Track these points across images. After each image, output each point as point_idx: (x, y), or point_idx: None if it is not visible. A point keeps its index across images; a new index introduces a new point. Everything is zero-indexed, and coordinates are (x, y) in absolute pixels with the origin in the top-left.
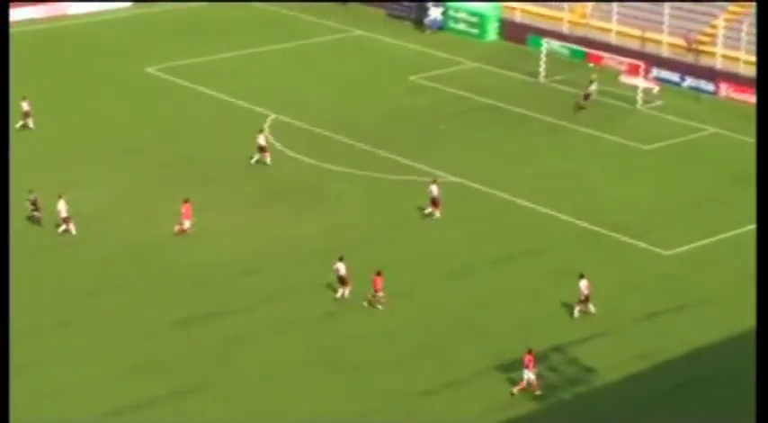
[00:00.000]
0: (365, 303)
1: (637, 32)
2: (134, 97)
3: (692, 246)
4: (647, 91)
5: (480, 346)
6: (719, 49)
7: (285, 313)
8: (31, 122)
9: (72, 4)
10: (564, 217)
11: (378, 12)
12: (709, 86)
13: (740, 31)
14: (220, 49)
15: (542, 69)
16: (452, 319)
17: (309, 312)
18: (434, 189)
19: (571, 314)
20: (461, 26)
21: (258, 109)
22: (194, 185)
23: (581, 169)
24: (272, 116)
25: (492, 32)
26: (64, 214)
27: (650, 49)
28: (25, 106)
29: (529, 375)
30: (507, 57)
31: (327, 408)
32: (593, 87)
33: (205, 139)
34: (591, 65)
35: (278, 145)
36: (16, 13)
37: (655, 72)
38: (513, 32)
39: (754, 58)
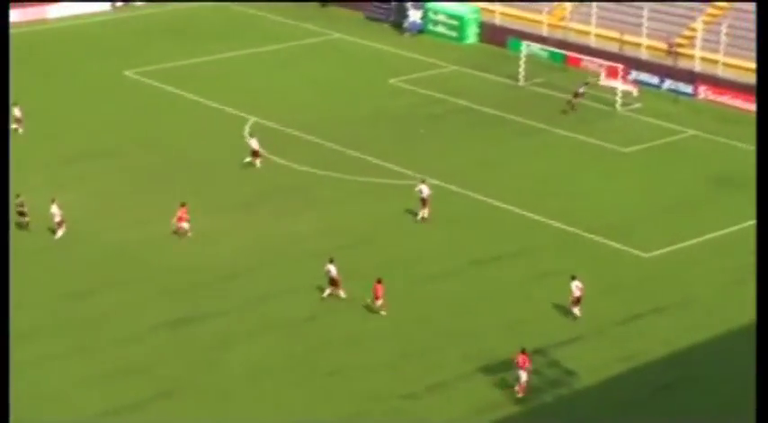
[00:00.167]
0: (366, 306)
1: (616, 35)
2: (113, 101)
3: (672, 248)
4: (626, 93)
5: (462, 349)
6: (698, 52)
7: (270, 315)
8: (21, 128)
9: (51, 8)
10: (543, 219)
11: (357, 15)
12: (688, 89)
13: (719, 33)
14: (200, 53)
15: (522, 72)
16: (435, 322)
17: (294, 314)
18: (424, 189)
19: (567, 316)
20: (441, 29)
21: (238, 112)
22: (175, 189)
23: (560, 172)
24: (252, 119)
25: (471, 35)
26: (58, 218)
27: (629, 51)
28: (17, 112)
29: (524, 375)
30: (487, 60)
31: (312, 410)
32: (583, 89)
33: (185, 143)
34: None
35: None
36: None
37: (633, 74)
38: (493, 35)
39: (732, 61)
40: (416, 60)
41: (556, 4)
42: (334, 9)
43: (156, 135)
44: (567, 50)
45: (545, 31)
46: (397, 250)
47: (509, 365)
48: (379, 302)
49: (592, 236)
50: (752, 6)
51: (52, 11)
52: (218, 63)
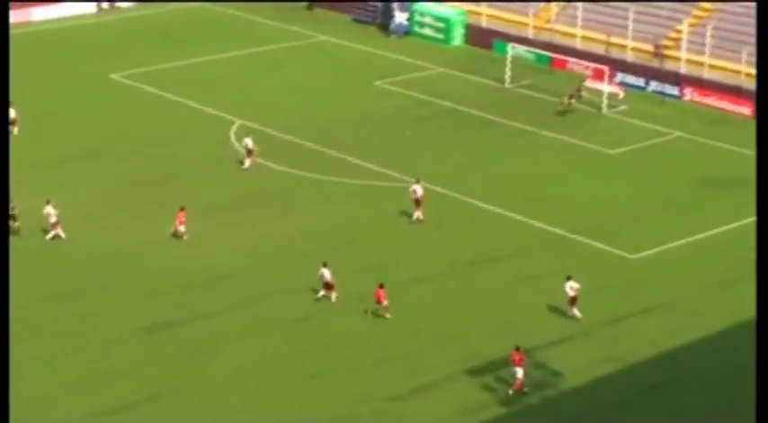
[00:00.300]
0: (366, 312)
1: (602, 37)
2: (100, 104)
3: (659, 249)
4: (612, 95)
5: (449, 350)
6: (684, 54)
7: (258, 317)
8: (15, 129)
9: (35, 10)
10: (530, 221)
11: (343, 17)
12: (674, 91)
13: (704, 35)
14: (186, 55)
15: (508, 74)
16: (421, 324)
17: (282, 316)
18: (418, 189)
19: (554, 317)
20: (427, 31)
21: (224, 115)
22: (162, 192)
23: (547, 174)
24: (239, 122)
25: (458, 38)
26: (53, 219)
27: (615, 53)
28: (12, 113)
29: (520, 372)
30: (473, 62)
31: (299, 412)
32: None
33: (171, 146)
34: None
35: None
36: None
37: (619, 76)
38: (479, 38)
39: (717, 62)
40: (403, 62)
41: (542, 5)
42: (320, 11)
43: (142, 138)
44: (552, 53)
45: (531, 34)
46: (384, 252)
47: (496, 366)
48: (385, 303)
49: (578, 237)
50: (737, 8)
51: (36, 13)
52: (204, 65)
